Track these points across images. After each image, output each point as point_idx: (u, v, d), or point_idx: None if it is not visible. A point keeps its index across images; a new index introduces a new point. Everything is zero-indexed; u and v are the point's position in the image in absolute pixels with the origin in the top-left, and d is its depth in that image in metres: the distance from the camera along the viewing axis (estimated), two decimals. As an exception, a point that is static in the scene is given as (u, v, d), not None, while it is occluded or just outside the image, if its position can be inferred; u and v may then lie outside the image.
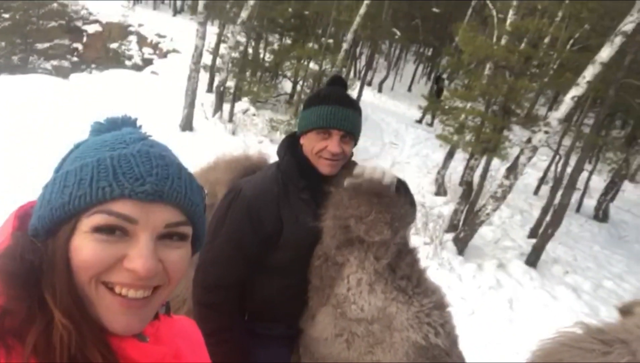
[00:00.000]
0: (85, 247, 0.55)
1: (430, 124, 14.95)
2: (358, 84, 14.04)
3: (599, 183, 10.11)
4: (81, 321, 0.54)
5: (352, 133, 1.45)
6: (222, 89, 9.58)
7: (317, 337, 1.38)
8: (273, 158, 1.61)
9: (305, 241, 1.40)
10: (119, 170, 0.57)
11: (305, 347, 1.43)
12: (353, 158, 1.55)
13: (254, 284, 1.45)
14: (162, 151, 0.63)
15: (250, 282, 1.45)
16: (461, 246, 6.24)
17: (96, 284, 0.56)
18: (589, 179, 9.60)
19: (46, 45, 18.50)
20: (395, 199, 1.34)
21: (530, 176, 10.79)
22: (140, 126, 0.69)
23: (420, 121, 15.13)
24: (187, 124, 8.51)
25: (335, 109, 1.41)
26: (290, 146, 1.51)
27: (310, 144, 1.44)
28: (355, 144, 1.52)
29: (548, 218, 6.80)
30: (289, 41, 11.59)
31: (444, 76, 16.78)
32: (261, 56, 11.23)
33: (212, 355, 1.36)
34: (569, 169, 6.94)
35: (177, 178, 0.61)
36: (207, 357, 0.81)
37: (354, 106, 1.47)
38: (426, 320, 1.30)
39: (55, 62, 18.21)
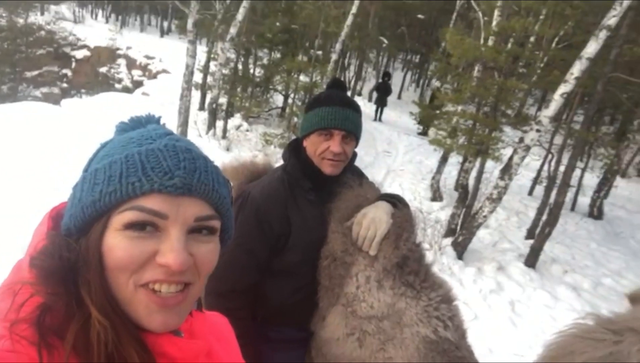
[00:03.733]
0: (117, 245, 0.56)
1: (425, 133, 15.07)
2: (348, 94, 14.16)
3: (591, 180, 10.19)
4: (116, 318, 0.55)
5: (353, 133, 1.48)
6: (214, 106, 9.63)
7: (328, 338, 1.39)
8: (278, 162, 1.64)
9: (314, 242, 1.43)
10: (148, 165, 0.57)
11: (317, 349, 1.44)
12: (375, 187, 1.57)
13: (265, 288, 1.47)
14: (188, 145, 0.63)
15: (261, 286, 1.46)
16: (460, 250, 6.25)
17: (135, 288, 0.56)
18: (582, 176, 9.66)
19: (35, 73, 18.54)
20: (396, 227, 1.36)
21: (523, 176, 10.86)
22: (164, 124, 0.70)
23: (425, 133, 15.02)
24: (181, 143, 8.53)
25: (335, 110, 1.45)
26: (295, 149, 1.54)
27: (313, 146, 1.47)
28: (357, 144, 1.55)
29: (544, 217, 6.84)
30: (278, 55, 11.70)
31: (436, 82, 16.99)
32: (251, 71, 11.32)
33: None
34: (562, 168, 7.00)
35: (204, 171, 0.61)
36: (239, 352, 0.80)
37: (354, 107, 1.51)
38: (435, 313, 1.32)
39: (44, 90, 18.23)
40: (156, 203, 0.57)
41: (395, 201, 1.46)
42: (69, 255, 0.57)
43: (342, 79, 17.23)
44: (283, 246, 1.43)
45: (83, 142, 7.26)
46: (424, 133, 15.36)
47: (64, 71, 19.00)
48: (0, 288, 0.56)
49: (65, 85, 18.72)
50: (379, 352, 1.32)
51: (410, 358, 1.30)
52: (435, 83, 16.62)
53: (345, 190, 1.44)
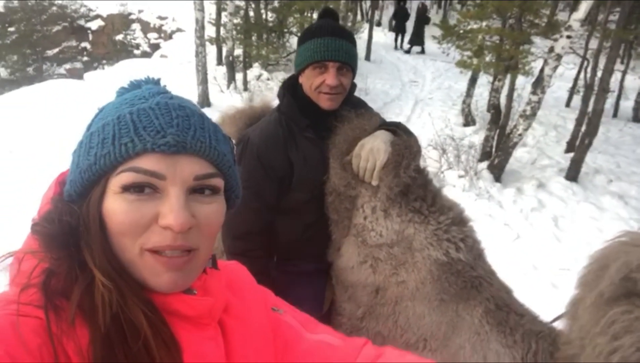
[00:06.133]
0: (117, 209, 0.56)
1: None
2: (367, 26, 13.58)
3: (634, 82, 9.51)
4: (120, 281, 0.55)
5: (348, 64, 1.41)
6: (231, 59, 9.50)
7: (344, 267, 1.43)
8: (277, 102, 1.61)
9: (317, 179, 1.42)
10: (139, 124, 0.56)
11: (336, 277, 1.48)
12: (378, 116, 1.51)
13: (277, 227, 1.50)
14: (182, 102, 0.62)
15: (273, 225, 1.49)
16: (497, 172, 6.09)
17: (141, 251, 0.56)
18: (622, 79, 9.02)
19: (55, 50, 18.77)
20: (395, 155, 1.32)
21: (559, 88, 10.28)
22: (164, 86, 0.67)
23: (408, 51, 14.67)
24: (204, 101, 8.55)
25: (328, 41, 1.39)
26: (290, 87, 1.51)
27: (308, 81, 1.43)
28: (354, 75, 1.49)
29: (583, 128, 6.51)
30: (289, -4, 11.26)
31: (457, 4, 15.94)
32: (264, 17, 10.98)
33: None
34: (599, 74, 6.54)
35: (199, 128, 0.59)
36: (258, 297, 0.78)
37: (347, 37, 1.44)
38: (445, 236, 1.31)
39: (68, 66, 18.50)
40: (151, 163, 0.56)
41: (395, 128, 1.41)
42: (70, 219, 0.57)
43: (359, 10, 16.52)
44: (288, 185, 1.44)
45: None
46: (404, 48, 14.79)
47: (83, 44, 19.10)
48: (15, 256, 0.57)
49: (86, 58, 18.89)
50: (392, 276, 1.34)
51: (424, 280, 1.31)
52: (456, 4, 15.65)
53: (342, 124, 1.39)
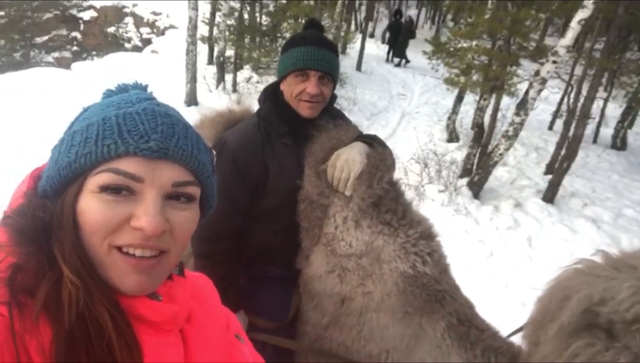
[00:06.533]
0: (92, 207, 0.56)
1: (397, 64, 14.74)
2: (360, 36, 13.69)
3: (615, 110, 9.77)
4: (88, 279, 0.55)
5: (330, 74, 1.44)
6: (222, 59, 9.48)
7: (312, 275, 1.44)
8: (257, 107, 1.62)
9: (291, 186, 1.43)
10: (124, 128, 0.57)
11: (304, 285, 1.50)
12: (355, 128, 1.53)
13: (247, 231, 1.50)
14: (168, 110, 0.63)
15: (244, 230, 1.49)
16: (476, 189, 6.19)
17: (109, 248, 0.56)
18: (604, 107, 9.25)
19: (45, 38, 18.47)
20: (370, 166, 1.34)
21: (544, 111, 10.49)
22: (151, 92, 0.69)
23: (397, 63, 14.92)
24: (192, 99, 8.51)
25: (311, 50, 1.41)
26: (271, 93, 1.53)
27: (289, 88, 1.45)
28: (334, 86, 1.52)
29: (563, 151, 6.66)
30: (284, 1, 11.30)
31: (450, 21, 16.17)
32: (258, 20, 11.00)
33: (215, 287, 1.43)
34: (582, 100, 6.71)
35: (183, 137, 0.61)
36: (222, 315, 0.79)
37: (330, 47, 1.47)
38: (413, 249, 1.33)
39: (56, 54, 18.23)
40: (132, 165, 0.56)
41: (371, 141, 1.44)
42: (43, 215, 0.57)
43: (353, 20, 16.65)
44: (262, 191, 1.44)
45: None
46: (392, 61, 14.95)
47: (73, 33, 18.86)
48: None
49: (75, 48, 18.64)
50: (358, 287, 1.35)
51: (390, 292, 1.33)
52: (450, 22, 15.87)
53: (319, 133, 1.42)
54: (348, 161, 1.33)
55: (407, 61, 15.06)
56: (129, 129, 0.57)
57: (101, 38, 18.19)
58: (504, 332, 1.55)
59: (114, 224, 0.56)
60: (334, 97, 1.55)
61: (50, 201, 0.59)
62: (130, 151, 0.56)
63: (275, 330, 1.47)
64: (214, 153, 1.45)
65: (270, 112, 1.47)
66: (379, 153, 1.38)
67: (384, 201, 1.37)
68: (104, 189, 0.56)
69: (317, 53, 1.41)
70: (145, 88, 0.69)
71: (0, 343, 0.48)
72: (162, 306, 0.61)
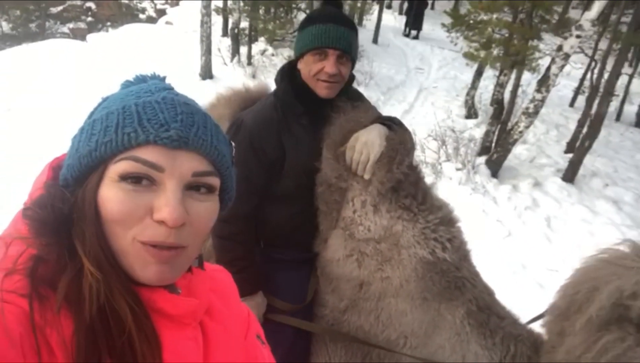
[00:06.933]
0: (112, 197, 0.56)
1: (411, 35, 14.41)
2: (377, 7, 13.36)
3: (640, 87, 9.50)
4: (110, 270, 0.55)
5: (348, 53, 1.39)
6: (236, 31, 9.35)
7: (330, 259, 1.43)
8: (274, 86, 1.58)
9: (308, 167, 1.41)
10: (144, 116, 0.57)
11: (322, 269, 1.49)
12: (374, 110, 1.49)
13: (264, 213, 1.49)
14: (187, 100, 0.63)
15: (261, 211, 1.48)
16: (495, 168, 6.08)
17: (133, 240, 0.56)
18: (629, 83, 8.95)
19: (60, 8, 18.42)
20: (389, 149, 1.31)
21: (565, 87, 10.20)
22: (169, 84, 0.68)
23: (411, 35, 14.64)
24: (206, 72, 8.45)
25: (329, 28, 1.37)
26: (288, 72, 1.49)
27: (307, 67, 1.41)
28: (353, 66, 1.47)
29: (585, 130, 6.49)
30: (300, -30, 11.03)
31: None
32: (273, -10, 10.78)
33: (235, 282, 1.43)
34: (606, 75, 6.48)
35: (202, 126, 0.61)
36: (240, 308, 0.79)
37: (349, 25, 1.41)
38: (432, 235, 1.31)
39: (71, 25, 18.19)
40: (152, 154, 0.56)
41: (391, 123, 1.39)
42: (63, 206, 0.57)
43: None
44: (279, 171, 1.43)
45: (109, 77, 7.33)
46: (408, 35, 14.63)
47: (88, 4, 18.76)
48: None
49: (90, 19, 18.58)
50: (377, 272, 1.34)
51: (408, 277, 1.31)
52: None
53: (337, 115, 1.38)
54: (367, 144, 1.30)
55: (417, 36, 14.71)
56: (149, 117, 0.57)
57: (115, 8, 18.09)
58: (520, 313, 1.53)
59: (136, 216, 0.56)
60: (352, 78, 1.51)
61: (71, 190, 0.59)
62: (151, 139, 0.56)
63: (293, 312, 1.48)
64: (230, 131, 1.43)
65: (287, 92, 1.44)
66: (398, 136, 1.33)
67: (404, 185, 1.33)
68: (125, 178, 0.56)
69: (335, 31, 1.36)
70: (163, 79, 0.69)
71: (20, 335, 0.47)
72: (181, 299, 0.61)
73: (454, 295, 1.32)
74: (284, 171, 1.42)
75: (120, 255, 0.57)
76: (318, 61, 1.38)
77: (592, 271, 1.08)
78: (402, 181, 1.32)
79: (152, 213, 0.56)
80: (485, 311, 1.33)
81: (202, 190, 0.61)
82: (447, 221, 1.35)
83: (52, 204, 0.57)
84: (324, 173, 1.37)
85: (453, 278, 1.32)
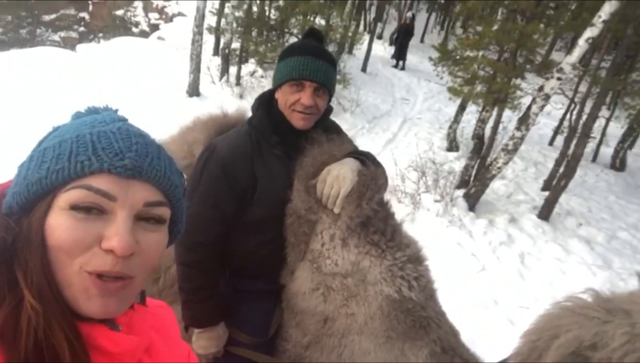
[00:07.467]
0: (61, 225, 0.55)
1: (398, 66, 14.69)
2: (367, 37, 13.63)
3: (616, 130, 9.75)
4: (51, 301, 0.53)
5: (325, 86, 1.41)
6: (227, 51, 9.42)
7: (296, 291, 1.41)
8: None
9: (279, 197, 1.41)
10: (99, 145, 0.57)
11: (287, 301, 1.47)
12: (350, 143, 1.50)
13: (231, 241, 1.47)
14: (141, 131, 0.63)
15: (228, 240, 1.46)
16: (472, 202, 6.16)
17: (80, 270, 0.55)
18: (606, 126, 9.24)
19: (53, 16, 18.40)
20: (360, 185, 1.32)
21: (546, 126, 10.48)
22: (122, 114, 0.68)
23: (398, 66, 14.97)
24: (194, 90, 8.44)
25: (308, 60, 1.38)
26: (265, 101, 1.50)
27: (284, 97, 1.42)
28: (330, 99, 1.49)
29: (562, 169, 6.64)
30: (294, -4, 11.23)
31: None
32: (266, 14, 10.94)
33: (196, 312, 1.40)
34: (584, 117, 6.69)
35: (156, 157, 0.61)
36: (181, 346, 0.78)
37: (328, 58, 1.44)
38: (399, 273, 1.30)
39: (63, 34, 18.16)
40: (105, 183, 0.56)
41: (365, 158, 1.41)
42: (6, 235, 0.55)
43: (362, 21, 16.58)
44: (249, 200, 1.41)
45: (95, 87, 7.28)
46: (396, 65, 14.97)
47: (81, 14, 18.78)
48: None
49: (82, 29, 18.58)
50: (342, 307, 1.33)
51: (373, 315, 1.30)
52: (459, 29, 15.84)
53: (311, 146, 1.39)
54: (338, 178, 1.30)
55: (403, 67, 15.04)
56: (104, 146, 0.57)
57: (109, 20, 18.11)
58: (490, 350, 1.52)
59: (84, 244, 0.55)
60: (329, 110, 1.52)
61: (15, 219, 0.57)
62: (105, 168, 0.56)
63: (255, 346, 1.45)
64: (202, 157, 1.42)
65: (262, 121, 1.44)
66: (370, 172, 1.35)
67: (373, 221, 1.34)
68: (75, 207, 0.55)
69: (313, 64, 1.38)
70: (116, 111, 0.69)
71: None
72: (121, 337, 0.60)
73: (419, 335, 1.31)
74: (254, 200, 1.41)
75: (64, 285, 0.55)
76: (295, 92, 1.39)
77: (555, 319, 1.09)
78: (371, 217, 1.33)
79: (100, 241, 0.56)
80: (449, 353, 1.32)
81: (152, 221, 0.61)
82: (415, 259, 1.36)
83: None
84: (294, 204, 1.37)
85: (418, 317, 1.31)
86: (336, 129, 1.56)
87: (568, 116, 8.62)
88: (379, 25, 17.34)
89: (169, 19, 16.78)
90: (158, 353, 0.69)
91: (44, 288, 0.53)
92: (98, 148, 0.57)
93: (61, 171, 0.55)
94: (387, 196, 1.43)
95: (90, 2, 18.91)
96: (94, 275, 0.55)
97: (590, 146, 8.41)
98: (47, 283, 0.54)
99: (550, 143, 9.80)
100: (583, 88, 8.50)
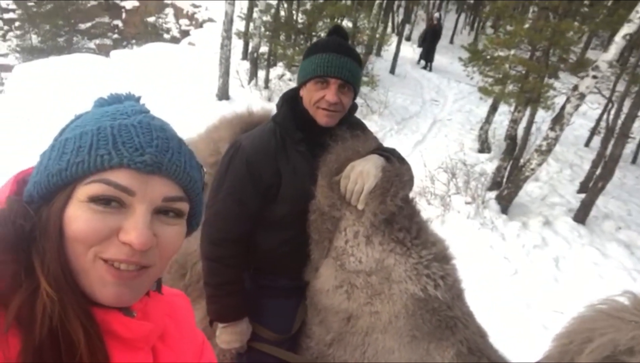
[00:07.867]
0: (80, 217, 0.55)
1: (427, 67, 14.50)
2: (396, 39, 13.54)
3: (658, 130, 9.36)
4: (67, 290, 0.54)
5: (350, 83, 1.40)
6: (255, 55, 9.53)
7: (319, 289, 1.40)
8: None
9: (303, 194, 1.40)
10: (119, 139, 0.57)
11: (311, 298, 1.46)
12: (374, 140, 1.49)
13: (256, 238, 1.48)
14: (163, 125, 0.63)
15: (252, 236, 1.47)
16: (505, 204, 6.00)
17: (94, 258, 0.56)
18: (646, 126, 8.87)
19: (88, 24, 19.12)
20: (384, 181, 1.30)
21: (581, 126, 10.12)
22: (143, 104, 0.68)
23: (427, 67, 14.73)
24: (223, 93, 8.58)
25: (332, 57, 1.38)
26: (290, 98, 1.50)
27: (308, 94, 1.42)
28: (355, 96, 1.47)
29: (599, 170, 6.39)
30: (321, 0, 11.27)
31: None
32: (294, 17, 11.01)
33: (220, 307, 1.41)
34: (623, 117, 6.42)
35: (177, 152, 0.61)
36: (195, 335, 0.79)
37: (353, 55, 1.43)
38: (425, 271, 1.27)
39: (97, 41, 18.84)
40: (124, 178, 0.56)
41: (389, 155, 1.38)
42: (25, 223, 0.56)
43: (390, 22, 16.48)
44: (273, 197, 1.42)
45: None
46: (425, 67, 14.74)
47: (115, 22, 19.44)
48: None
49: (116, 36, 19.23)
50: (366, 305, 1.31)
51: (398, 314, 1.27)
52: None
53: (335, 143, 1.37)
54: (362, 174, 1.29)
55: (430, 68, 14.82)
56: (124, 141, 0.57)
57: (141, 27, 18.65)
58: (521, 355, 1.47)
59: (102, 235, 0.55)
60: (354, 107, 1.51)
61: (35, 207, 0.58)
62: (124, 163, 0.56)
63: (278, 342, 1.44)
64: (227, 154, 1.44)
65: (287, 118, 1.45)
66: (395, 168, 1.32)
67: (397, 218, 1.31)
68: (94, 199, 0.55)
69: (338, 61, 1.38)
70: (138, 100, 0.68)
71: None
72: (135, 323, 0.60)
73: (445, 335, 1.28)
74: (278, 197, 1.42)
75: (80, 274, 0.56)
76: (320, 89, 1.39)
77: (589, 322, 1.04)
78: (395, 213, 1.30)
79: (118, 233, 0.56)
80: (476, 354, 1.28)
81: (171, 214, 0.61)
82: (442, 257, 1.32)
83: (13, 220, 0.56)
84: (318, 200, 1.36)
85: (444, 317, 1.28)
86: (361, 127, 1.55)
87: (605, 116, 8.29)
88: (407, 26, 17.18)
89: (199, 24, 17.15)
90: (172, 340, 0.69)
91: (59, 277, 0.54)
92: (118, 142, 0.56)
93: (81, 164, 0.56)
94: (416, 197, 1.41)
95: (123, 10, 19.51)
96: (109, 263, 0.56)
97: (630, 147, 8.08)
98: (63, 272, 0.54)
99: (587, 144, 9.45)
100: (621, 87, 8.17)
